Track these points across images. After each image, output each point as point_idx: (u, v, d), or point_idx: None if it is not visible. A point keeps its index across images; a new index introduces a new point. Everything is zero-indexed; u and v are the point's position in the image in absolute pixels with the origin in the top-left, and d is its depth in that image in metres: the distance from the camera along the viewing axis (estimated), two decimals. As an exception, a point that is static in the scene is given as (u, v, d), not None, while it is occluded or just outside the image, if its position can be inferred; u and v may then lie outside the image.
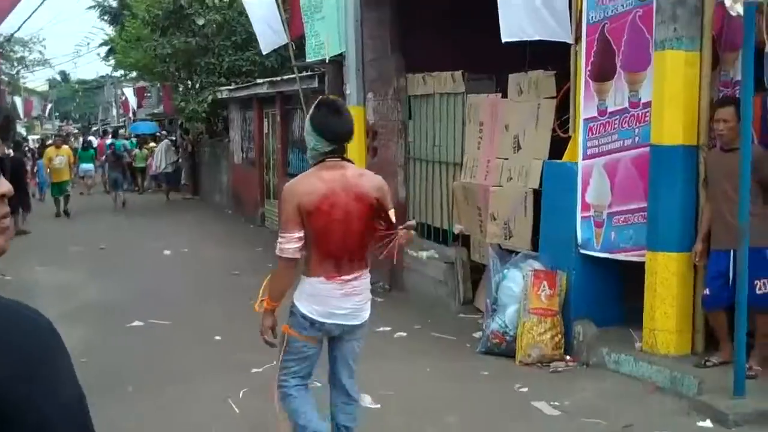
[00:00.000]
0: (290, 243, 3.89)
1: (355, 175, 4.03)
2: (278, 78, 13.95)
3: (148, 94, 36.12)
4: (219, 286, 10.33)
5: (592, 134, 6.54)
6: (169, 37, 18.85)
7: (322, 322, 4.00)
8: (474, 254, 8.31)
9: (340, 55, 9.29)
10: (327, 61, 9.64)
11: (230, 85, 18.10)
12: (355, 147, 9.07)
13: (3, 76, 49.31)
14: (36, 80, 59.99)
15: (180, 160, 24.51)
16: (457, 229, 8.38)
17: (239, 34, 18.11)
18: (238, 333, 6.99)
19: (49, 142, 22.96)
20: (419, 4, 9.13)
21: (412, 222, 4.59)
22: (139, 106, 38.09)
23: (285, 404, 4.19)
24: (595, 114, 6.48)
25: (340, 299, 3.98)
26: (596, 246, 6.55)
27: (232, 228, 16.32)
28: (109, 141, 28.42)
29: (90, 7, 21.36)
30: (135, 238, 14.71)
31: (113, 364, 6.74)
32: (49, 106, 65.93)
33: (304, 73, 11.68)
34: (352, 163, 4.19)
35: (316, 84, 11.40)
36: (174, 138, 26.59)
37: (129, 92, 40.98)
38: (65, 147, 20.23)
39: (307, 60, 10.07)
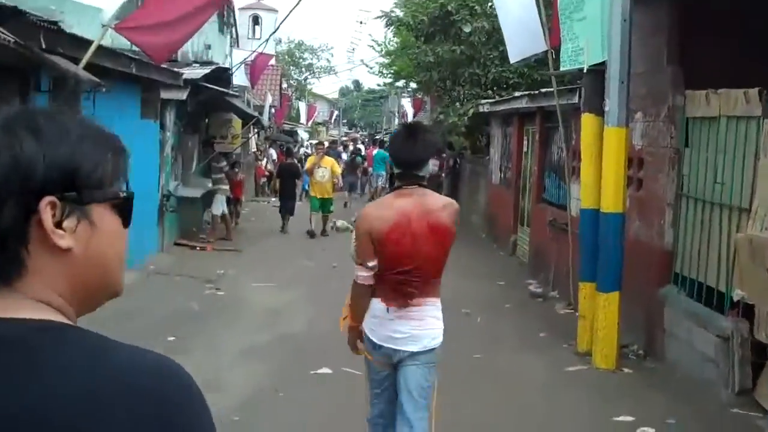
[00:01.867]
0: (362, 271, 4.02)
1: (432, 202, 4.02)
2: (537, 91, 12.38)
3: (426, 107, 36.00)
4: (446, 327, 9.01)
5: None
6: (434, 44, 17.93)
7: (380, 345, 4.03)
8: (758, 331, 6.23)
9: (602, 64, 7.56)
10: (585, 70, 7.94)
11: (494, 98, 16.80)
12: (612, 176, 7.34)
13: (291, 81, 52.17)
14: (321, 86, 62.67)
15: (443, 176, 23.75)
16: (737, 295, 6.36)
17: (508, 44, 16.76)
18: (452, 399, 5.52)
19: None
20: (705, 2, 7.22)
21: None
22: (415, 116, 38.10)
23: None
24: None
25: (396, 322, 3.99)
26: None
27: (480, 254, 14.95)
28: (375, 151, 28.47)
29: (378, 17, 21.17)
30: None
31: (269, 429, 5.63)
32: (336, 113, 68.82)
33: (564, 87, 10.06)
34: (428, 189, 4.13)
35: (576, 99, 9.73)
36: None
37: (407, 103, 41.35)
38: (328, 158, 17.71)
39: (561, 68, 8.42)
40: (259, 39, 41.86)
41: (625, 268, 7.51)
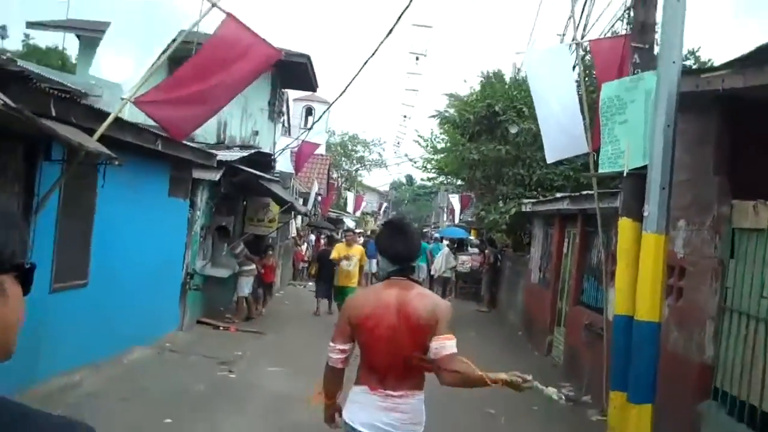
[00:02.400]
0: (333, 353, 4.09)
1: (412, 295, 4.03)
2: (578, 194, 12.19)
3: (475, 203, 36.08)
4: (464, 427, 8.67)
5: None
6: (478, 143, 17.93)
7: (360, 431, 4.00)
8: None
9: (642, 168, 7.36)
10: (624, 174, 7.74)
11: (538, 198, 16.66)
12: (649, 284, 7.02)
13: (342, 171, 52.76)
14: (373, 178, 63.23)
15: (483, 270, 23.60)
16: (780, 419, 5.98)
17: (554, 147, 16.65)
18: None
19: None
20: (758, 110, 7.02)
21: (528, 381, 3.93)
22: (461, 212, 38.15)
23: None
24: None
25: (380, 411, 3.98)
26: None
27: (514, 353, 14.55)
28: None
29: (432, 116, 21.33)
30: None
31: None
32: (384, 205, 69.21)
33: (606, 190, 9.87)
34: (418, 283, 4.24)
35: (617, 203, 9.51)
36: (482, 246, 25.72)
37: (455, 199, 41.44)
38: (357, 246, 17.14)
39: (600, 171, 8.22)
40: (311, 129, 42.69)
41: (660, 379, 7.13)
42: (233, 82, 8.51)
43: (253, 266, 15.95)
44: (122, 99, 8.29)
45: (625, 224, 7.76)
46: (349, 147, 55.39)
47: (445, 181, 31.50)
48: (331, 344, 4.11)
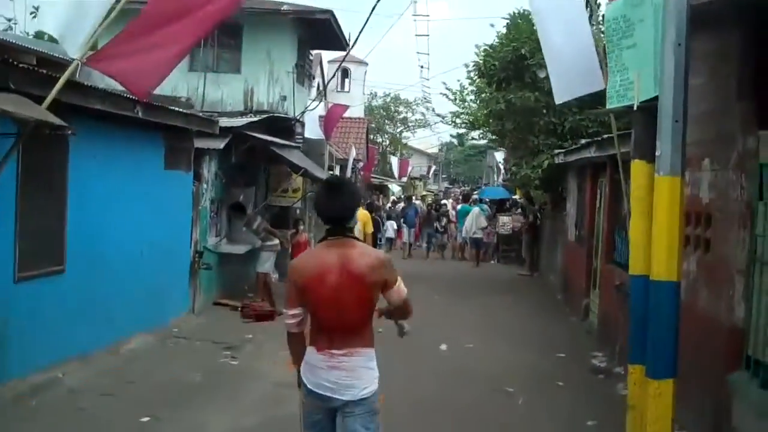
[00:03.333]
0: (287, 318, 4.23)
1: (354, 253, 4.10)
2: (601, 138, 11.00)
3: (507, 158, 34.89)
4: (477, 408, 7.77)
5: None
6: (507, 91, 16.71)
7: (314, 391, 4.11)
8: None
9: (656, 99, 6.20)
10: (635, 108, 6.59)
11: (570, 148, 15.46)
12: (664, 236, 5.88)
13: (386, 135, 51.73)
14: (421, 140, 61.57)
15: (522, 232, 22.51)
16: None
17: (586, 90, 15.36)
18: None
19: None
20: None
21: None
22: (505, 170, 37.00)
23: None
24: None
25: (325, 371, 4.07)
26: None
27: (549, 319, 13.55)
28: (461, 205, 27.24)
29: (470, 70, 20.06)
30: (426, 320, 11.96)
31: None
32: (433, 167, 67.85)
33: (628, 131, 8.72)
34: (359, 240, 4.32)
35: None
36: (523, 206, 24.58)
37: (499, 156, 40.21)
38: (362, 211, 14.60)
39: (608, 106, 7.08)
40: (348, 92, 41.53)
41: (686, 348, 6.08)
42: (196, 24, 7.56)
43: (276, 241, 14.80)
44: (72, 59, 7.40)
45: (637, 167, 6.64)
46: (392, 109, 54.09)
47: (476, 137, 30.33)
48: (285, 310, 4.27)
